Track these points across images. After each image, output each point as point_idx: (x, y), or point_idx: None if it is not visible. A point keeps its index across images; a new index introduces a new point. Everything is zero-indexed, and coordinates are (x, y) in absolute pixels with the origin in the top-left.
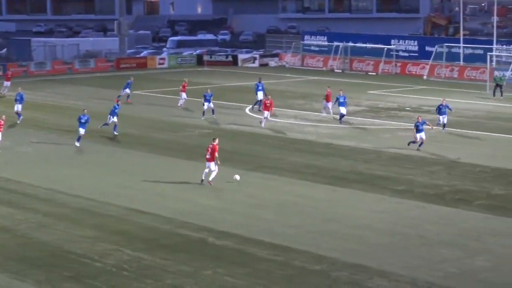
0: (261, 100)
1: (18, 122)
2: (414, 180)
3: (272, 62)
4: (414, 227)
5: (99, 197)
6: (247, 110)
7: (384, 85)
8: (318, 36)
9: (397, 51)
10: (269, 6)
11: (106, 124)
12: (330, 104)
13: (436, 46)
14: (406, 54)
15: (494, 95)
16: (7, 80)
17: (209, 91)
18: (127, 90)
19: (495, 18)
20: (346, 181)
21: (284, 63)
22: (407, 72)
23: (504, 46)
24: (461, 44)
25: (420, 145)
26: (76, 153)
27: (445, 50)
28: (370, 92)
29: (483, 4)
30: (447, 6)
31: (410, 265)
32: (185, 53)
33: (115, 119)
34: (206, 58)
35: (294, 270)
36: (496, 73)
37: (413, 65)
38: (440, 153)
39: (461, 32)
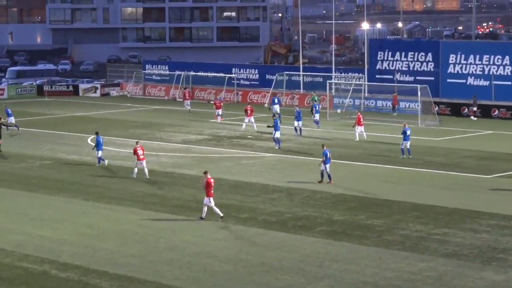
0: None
1: None
2: (257, 208)
3: (114, 92)
4: (257, 254)
5: None
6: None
7: (226, 113)
8: (159, 65)
9: (238, 79)
10: (110, 35)
11: None
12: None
13: (276, 74)
14: (247, 83)
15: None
16: None
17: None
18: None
19: (333, 47)
20: (189, 210)
21: (126, 93)
22: (248, 100)
23: (342, 74)
24: (301, 72)
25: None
26: None
27: (285, 78)
28: (212, 120)
29: (321, 33)
30: (286, 35)
31: None
32: (25, 83)
33: None
34: (46, 88)
35: None
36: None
37: (255, 93)
38: (281, 180)
39: (301, 60)
